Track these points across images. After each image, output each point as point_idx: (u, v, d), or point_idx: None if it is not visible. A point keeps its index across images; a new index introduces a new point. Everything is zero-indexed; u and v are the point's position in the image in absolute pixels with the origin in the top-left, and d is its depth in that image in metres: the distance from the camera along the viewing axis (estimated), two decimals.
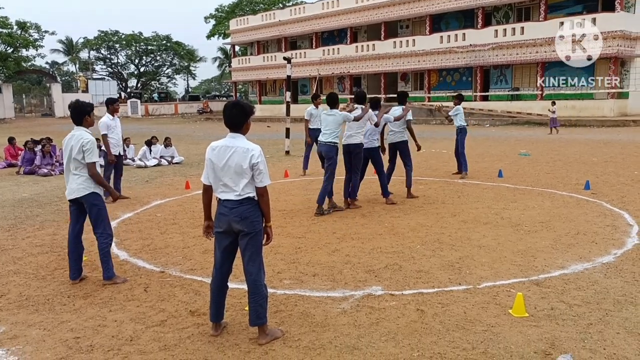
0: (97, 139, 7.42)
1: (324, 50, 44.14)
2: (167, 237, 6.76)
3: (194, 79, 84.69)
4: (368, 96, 8.72)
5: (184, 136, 25.86)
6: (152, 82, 77.70)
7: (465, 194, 9.38)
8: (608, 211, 7.82)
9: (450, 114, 11.29)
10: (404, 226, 7.10)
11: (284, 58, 17.71)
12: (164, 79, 79.23)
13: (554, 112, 23.56)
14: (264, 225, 3.85)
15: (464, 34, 35.18)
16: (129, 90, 71.68)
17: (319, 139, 8.22)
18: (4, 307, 4.54)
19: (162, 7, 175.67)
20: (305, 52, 45.65)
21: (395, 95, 9.63)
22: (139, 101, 58.06)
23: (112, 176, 9.32)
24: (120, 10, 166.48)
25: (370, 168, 8.80)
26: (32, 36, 55.43)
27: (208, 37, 65.74)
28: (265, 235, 3.87)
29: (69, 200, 5.07)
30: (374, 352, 3.61)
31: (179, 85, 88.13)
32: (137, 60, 73.58)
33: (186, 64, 75.60)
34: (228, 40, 57.53)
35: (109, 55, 73.11)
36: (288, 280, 5.08)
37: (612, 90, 29.71)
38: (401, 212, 7.97)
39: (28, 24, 54.58)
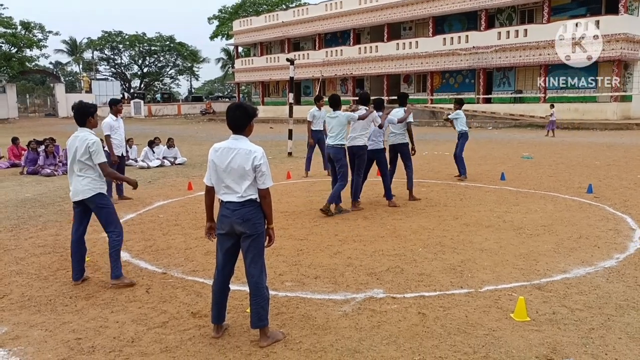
0: (101, 140, 7.43)
1: (327, 51, 44.16)
2: (169, 239, 6.77)
3: (197, 79, 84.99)
4: (373, 98, 8.73)
5: (187, 137, 25.89)
6: (156, 83, 77.85)
7: (468, 196, 9.38)
8: (611, 215, 7.80)
9: (450, 117, 11.31)
10: (406, 229, 7.10)
11: (287, 59, 17.74)
12: (167, 80, 79.44)
13: (551, 114, 23.60)
14: (266, 227, 3.86)
15: (467, 36, 35.15)
16: (132, 90, 71.81)
17: (327, 142, 8.20)
18: (6, 308, 4.55)
19: (166, 7, 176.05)
20: (308, 54, 45.67)
21: (396, 97, 9.63)
22: (142, 102, 58.19)
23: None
24: (123, 10, 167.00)
25: (372, 170, 8.80)
26: (36, 36, 55.63)
27: (211, 38, 65.92)
28: (267, 237, 3.88)
29: (74, 202, 5.08)
30: (375, 356, 3.61)
31: (182, 86, 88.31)
32: (140, 61, 73.73)
33: (189, 64, 75.75)
34: (231, 41, 57.63)
35: (112, 56, 73.31)
36: (290, 282, 5.08)
37: (614, 94, 29.65)
38: (403, 215, 7.97)
39: (32, 24, 54.77)
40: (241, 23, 53.02)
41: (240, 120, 3.81)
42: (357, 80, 43.40)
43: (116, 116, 9.26)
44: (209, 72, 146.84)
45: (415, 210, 8.33)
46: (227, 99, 67.09)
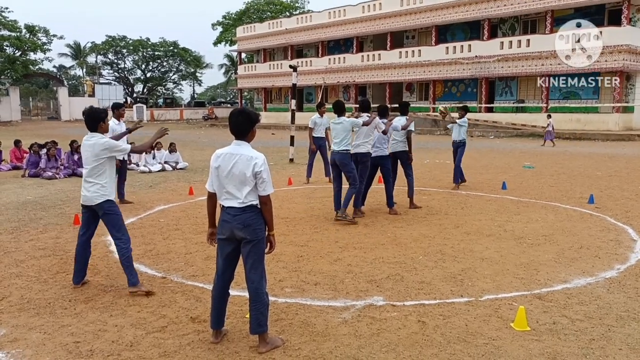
0: None
1: (330, 59, 44.32)
2: (169, 243, 6.77)
3: (200, 85, 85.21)
4: (377, 105, 8.76)
5: (189, 142, 25.93)
6: (158, 88, 78.09)
7: (469, 205, 9.37)
8: (612, 226, 7.78)
9: (458, 122, 11.14)
10: (406, 237, 7.09)
11: (290, 66, 17.80)
12: (170, 85, 79.71)
13: (548, 124, 23.73)
14: (266, 233, 3.85)
15: (469, 45, 35.27)
16: (135, 95, 72.04)
17: (332, 148, 8.20)
18: (5, 310, 4.55)
19: (170, 13, 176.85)
20: (311, 61, 45.83)
21: (397, 105, 9.65)
22: (144, 106, 58.33)
23: (116, 180, 9.34)
24: (128, 15, 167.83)
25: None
26: (40, 40, 55.81)
27: (215, 43, 66.18)
28: (268, 244, 3.87)
29: (82, 205, 5.08)
30: None
31: (185, 91, 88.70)
32: (143, 66, 73.98)
33: (192, 70, 75.97)
34: (235, 47, 57.80)
35: (116, 60, 73.57)
36: (289, 288, 5.07)
37: (617, 104, 29.69)
38: (404, 223, 7.96)
39: (37, 28, 55.00)
40: (245, 29, 53.22)
41: (243, 125, 3.82)
42: (360, 87, 43.51)
43: (119, 120, 9.30)
44: (211, 77, 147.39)
45: (416, 218, 8.32)
46: (229, 105, 67.21)
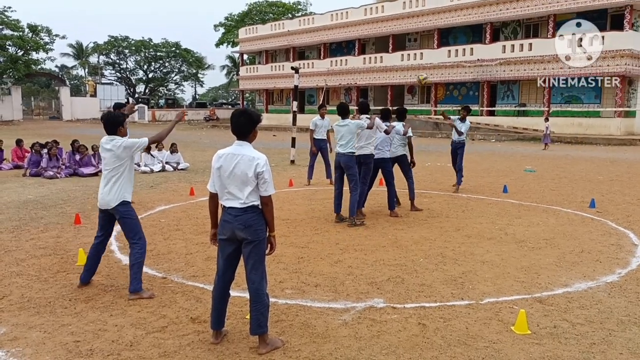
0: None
1: (331, 61, 44.33)
2: (170, 243, 6.77)
3: (201, 86, 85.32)
4: (380, 108, 8.77)
5: (190, 143, 25.94)
6: (160, 88, 78.18)
7: (470, 208, 9.36)
8: (613, 230, 7.78)
9: (462, 130, 11.06)
10: (407, 239, 7.09)
11: (292, 68, 17.81)
12: (172, 86, 79.80)
13: (546, 128, 23.74)
14: (267, 234, 3.85)
15: (471, 48, 35.26)
16: (136, 95, 72.13)
17: (336, 150, 8.16)
18: (6, 309, 4.55)
19: (173, 14, 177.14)
20: (313, 63, 45.83)
21: (395, 111, 9.59)
22: (146, 107, 58.36)
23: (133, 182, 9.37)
24: (130, 15, 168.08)
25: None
26: (42, 39, 55.92)
27: (217, 45, 66.29)
28: (268, 245, 3.87)
29: (99, 210, 5.05)
30: None
31: (187, 92, 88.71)
32: (145, 66, 74.11)
33: (194, 71, 76.10)
34: (237, 48, 57.90)
35: (118, 61, 73.71)
36: (290, 290, 5.07)
37: (618, 109, 29.68)
38: (405, 225, 7.96)
39: (39, 27, 55.10)
40: (247, 31, 53.29)
41: (245, 126, 3.82)
42: (362, 90, 43.52)
43: None
44: (213, 79, 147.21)
45: (417, 220, 8.32)
46: (231, 106, 67.27)
